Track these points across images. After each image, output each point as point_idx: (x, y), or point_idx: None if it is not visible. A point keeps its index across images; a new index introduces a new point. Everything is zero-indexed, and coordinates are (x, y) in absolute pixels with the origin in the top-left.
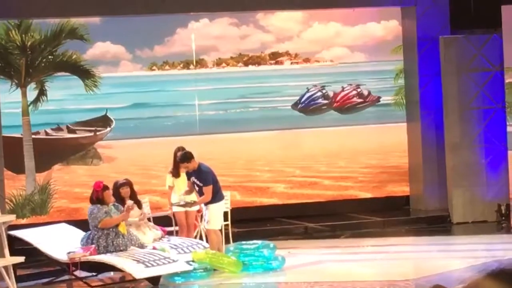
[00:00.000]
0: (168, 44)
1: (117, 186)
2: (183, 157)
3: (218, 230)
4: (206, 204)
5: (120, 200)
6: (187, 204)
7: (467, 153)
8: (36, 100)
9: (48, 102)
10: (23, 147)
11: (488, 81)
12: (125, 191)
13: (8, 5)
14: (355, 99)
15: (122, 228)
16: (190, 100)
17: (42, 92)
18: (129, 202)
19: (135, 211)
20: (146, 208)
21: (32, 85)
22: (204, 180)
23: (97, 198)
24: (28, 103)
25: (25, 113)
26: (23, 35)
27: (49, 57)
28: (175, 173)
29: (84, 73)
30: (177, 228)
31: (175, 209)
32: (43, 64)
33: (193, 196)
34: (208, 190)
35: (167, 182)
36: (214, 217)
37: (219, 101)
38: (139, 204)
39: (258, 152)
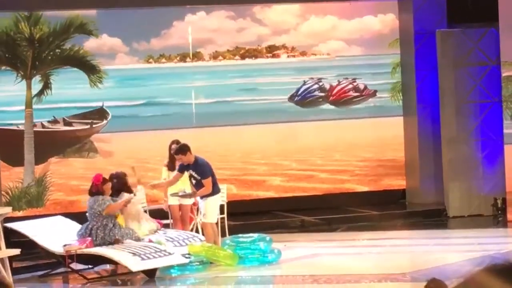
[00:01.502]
0: (164, 37)
1: (121, 176)
2: (178, 149)
3: (214, 224)
4: (203, 196)
5: (121, 189)
6: (186, 195)
7: (463, 147)
8: (40, 93)
9: (51, 95)
10: (24, 139)
11: (484, 75)
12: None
13: None
14: (351, 92)
15: (120, 220)
16: (186, 93)
17: (46, 85)
18: (129, 195)
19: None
20: (141, 192)
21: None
22: (202, 172)
23: (97, 191)
24: (32, 96)
25: (29, 105)
26: (32, 28)
27: (56, 50)
28: (171, 166)
29: (90, 68)
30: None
31: (171, 201)
32: (49, 57)
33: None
34: (208, 182)
35: (163, 175)
36: (211, 210)
37: (216, 94)
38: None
39: (255, 145)
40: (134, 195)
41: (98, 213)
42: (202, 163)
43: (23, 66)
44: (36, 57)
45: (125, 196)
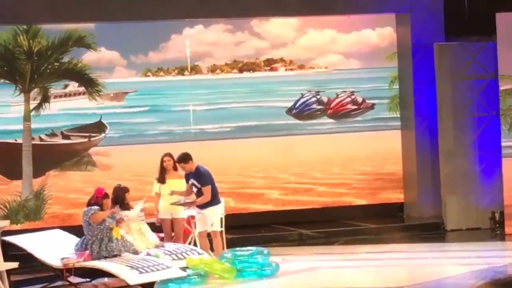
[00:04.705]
0: (163, 50)
1: (123, 189)
2: (180, 158)
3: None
4: (206, 207)
5: (118, 203)
6: (186, 203)
7: (461, 160)
8: (39, 106)
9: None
10: (22, 152)
11: (482, 88)
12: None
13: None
14: (349, 106)
15: (116, 233)
16: (184, 106)
17: (45, 99)
18: (117, 209)
19: (134, 211)
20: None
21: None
22: (202, 180)
23: (95, 203)
24: (31, 109)
25: (27, 118)
26: (31, 41)
27: (55, 64)
28: (161, 179)
29: (88, 81)
30: (172, 234)
31: (163, 215)
32: (48, 71)
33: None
34: (207, 190)
35: (154, 189)
36: (217, 218)
37: (214, 108)
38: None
39: (253, 158)
40: (131, 208)
41: (87, 223)
42: (203, 171)
43: (21, 80)
44: (35, 70)
45: (120, 209)
